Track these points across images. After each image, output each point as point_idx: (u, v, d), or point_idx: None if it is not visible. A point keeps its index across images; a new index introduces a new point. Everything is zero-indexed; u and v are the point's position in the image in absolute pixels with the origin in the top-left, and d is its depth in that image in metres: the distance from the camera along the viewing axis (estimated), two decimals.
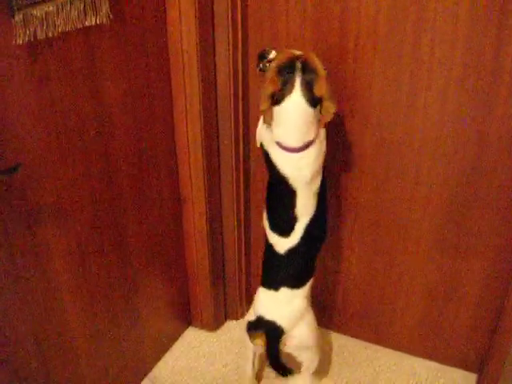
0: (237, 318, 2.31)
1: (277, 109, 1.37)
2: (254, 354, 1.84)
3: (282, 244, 1.57)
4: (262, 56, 1.72)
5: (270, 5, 1.70)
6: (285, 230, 1.55)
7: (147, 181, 1.75)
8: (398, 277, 1.97)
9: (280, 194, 1.51)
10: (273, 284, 1.61)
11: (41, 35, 1.19)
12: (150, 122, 1.69)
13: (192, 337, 2.23)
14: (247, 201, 2.11)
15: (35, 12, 1.15)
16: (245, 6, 1.72)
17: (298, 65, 1.33)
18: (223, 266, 2.19)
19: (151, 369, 2.04)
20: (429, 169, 1.72)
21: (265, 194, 1.61)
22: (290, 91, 1.33)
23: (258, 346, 1.67)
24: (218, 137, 1.90)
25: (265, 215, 1.62)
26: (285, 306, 1.62)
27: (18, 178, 1.25)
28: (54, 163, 1.36)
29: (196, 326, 2.26)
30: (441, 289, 1.91)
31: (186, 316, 2.23)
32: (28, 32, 1.16)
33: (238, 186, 2.01)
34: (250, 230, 2.19)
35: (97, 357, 1.71)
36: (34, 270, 1.38)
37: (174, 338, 2.19)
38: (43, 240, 1.38)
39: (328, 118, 1.40)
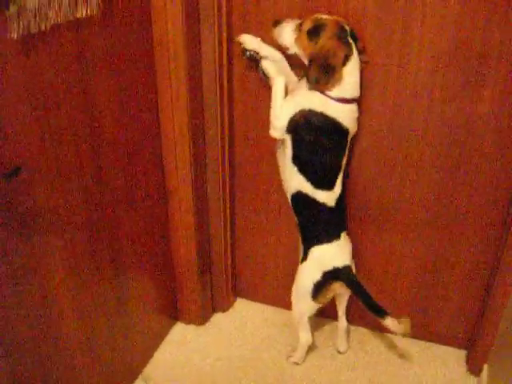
0: (224, 310, 2.29)
1: (344, 69, 1.56)
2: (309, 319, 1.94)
3: (332, 196, 1.73)
4: None
5: None
6: (332, 182, 1.72)
7: (135, 176, 1.69)
8: (388, 254, 1.98)
9: (330, 149, 1.66)
10: (333, 235, 1.78)
11: (34, 28, 1.12)
12: (136, 115, 1.63)
13: (180, 332, 2.18)
14: (233, 192, 2.08)
15: (28, 4, 1.08)
16: None
17: (347, 28, 1.54)
18: (210, 257, 2.15)
19: (143, 367, 1.99)
20: (418, 145, 1.75)
21: (304, 168, 1.69)
22: (351, 51, 1.54)
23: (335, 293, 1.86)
24: (203, 128, 1.86)
25: (308, 185, 1.70)
26: (347, 248, 1.82)
27: (15, 183, 1.18)
28: (49, 165, 1.29)
29: (183, 321, 2.22)
30: (430, 266, 1.94)
31: (173, 311, 2.19)
32: (22, 25, 1.09)
33: (223, 178, 1.98)
34: (235, 222, 2.16)
35: (91, 358, 1.66)
36: (31, 272, 1.32)
37: (162, 334, 2.14)
38: (39, 244, 1.32)
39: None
